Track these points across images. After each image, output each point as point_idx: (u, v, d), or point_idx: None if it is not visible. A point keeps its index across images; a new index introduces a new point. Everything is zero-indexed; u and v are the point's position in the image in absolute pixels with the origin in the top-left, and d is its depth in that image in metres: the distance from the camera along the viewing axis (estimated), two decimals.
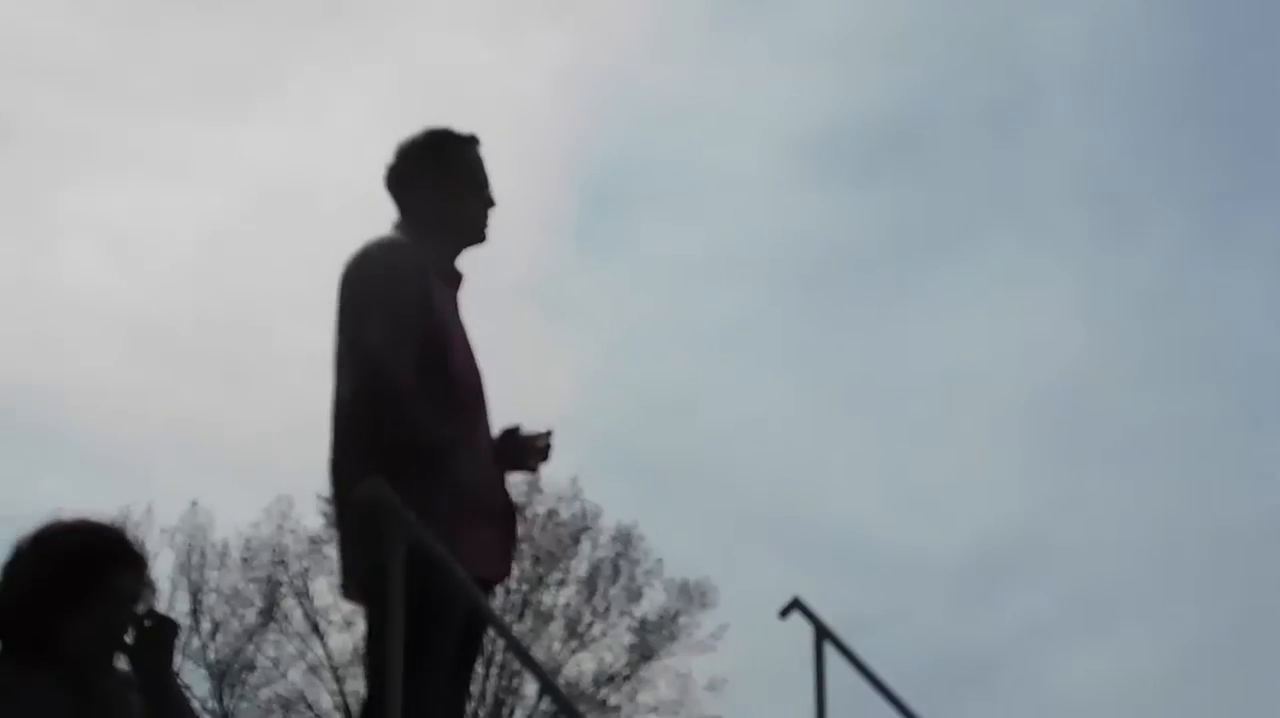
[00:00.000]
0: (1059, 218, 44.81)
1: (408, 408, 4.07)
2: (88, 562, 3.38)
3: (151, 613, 3.48)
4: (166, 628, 3.48)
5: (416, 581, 3.74)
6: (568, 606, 31.87)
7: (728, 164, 44.44)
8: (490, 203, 4.50)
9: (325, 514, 30.05)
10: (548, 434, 4.53)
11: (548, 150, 39.00)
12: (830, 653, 4.90)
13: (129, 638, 3.44)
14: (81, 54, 41.77)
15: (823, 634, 4.90)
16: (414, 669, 3.91)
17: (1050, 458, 42.90)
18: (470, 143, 4.52)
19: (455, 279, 4.48)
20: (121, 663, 3.48)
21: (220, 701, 30.59)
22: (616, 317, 43.69)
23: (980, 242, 44.95)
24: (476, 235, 4.50)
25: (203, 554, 31.92)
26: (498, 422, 4.49)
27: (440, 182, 4.43)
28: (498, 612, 4.02)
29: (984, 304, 43.57)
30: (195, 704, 3.58)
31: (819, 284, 45.00)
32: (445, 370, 4.24)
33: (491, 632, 4.39)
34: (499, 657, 28.46)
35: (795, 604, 4.93)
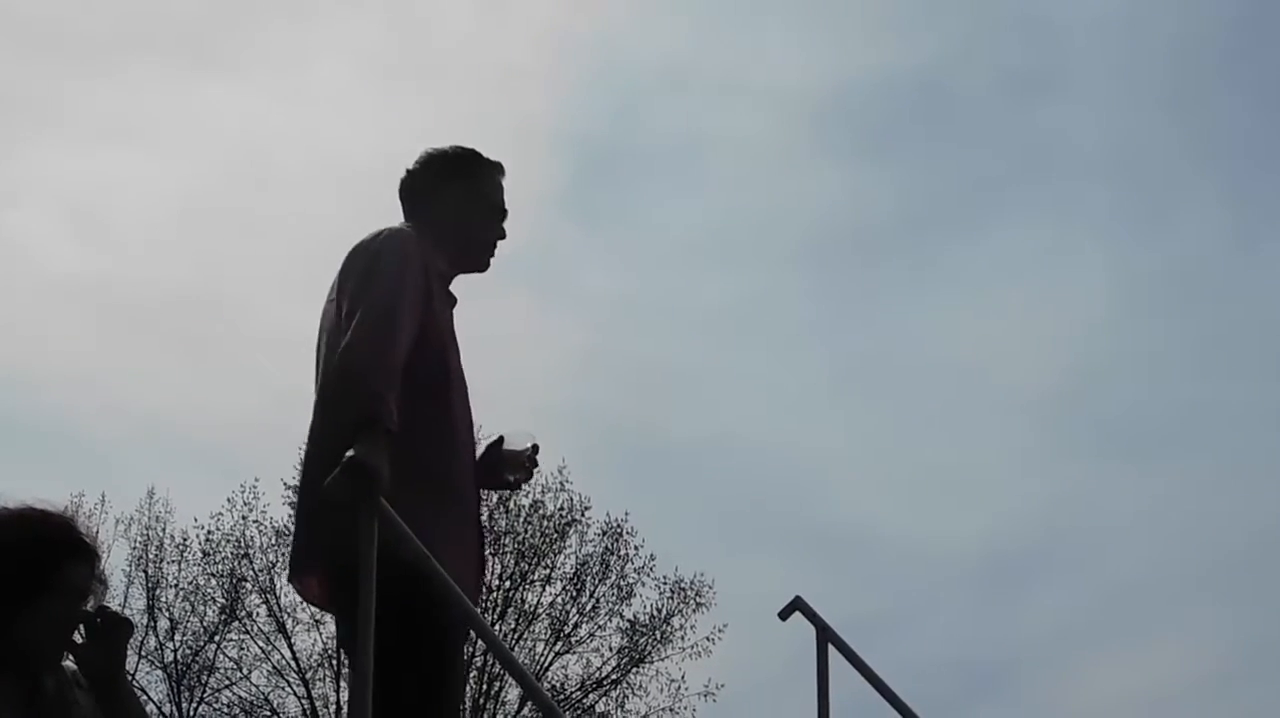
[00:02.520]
0: (1086, 195, 44.81)
1: (374, 382, 4.07)
2: (35, 554, 3.39)
3: (103, 611, 3.49)
4: (119, 628, 3.49)
5: (401, 581, 3.80)
6: (553, 604, 31.90)
7: (729, 131, 44.51)
8: (501, 234, 4.71)
9: (292, 505, 30.08)
10: (534, 448, 4.59)
11: (538, 117, 39.04)
12: (833, 657, 4.92)
13: (79, 637, 3.44)
14: (39, 6, 41.71)
15: (825, 636, 4.91)
16: (438, 675, 4.09)
17: (1072, 449, 43.02)
18: (495, 169, 4.75)
19: (451, 300, 4.62)
20: (70, 661, 3.49)
21: (178, 704, 30.61)
22: (610, 294, 43.73)
23: (1001, 218, 45.06)
24: (479, 264, 4.71)
25: (160, 547, 31.97)
26: (480, 419, 4.58)
27: (457, 201, 4.64)
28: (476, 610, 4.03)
29: (1004, 285, 43.64)
30: (150, 708, 3.58)
31: (827, 261, 45.12)
32: (433, 365, 4.34)
33: (472, 633, 4.42)
34: (479, 659, 28.49)
35: (796, 604, 4.95)
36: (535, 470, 4.71)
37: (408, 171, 4.71)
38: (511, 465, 4.65)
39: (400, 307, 4.23)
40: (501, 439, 4.63)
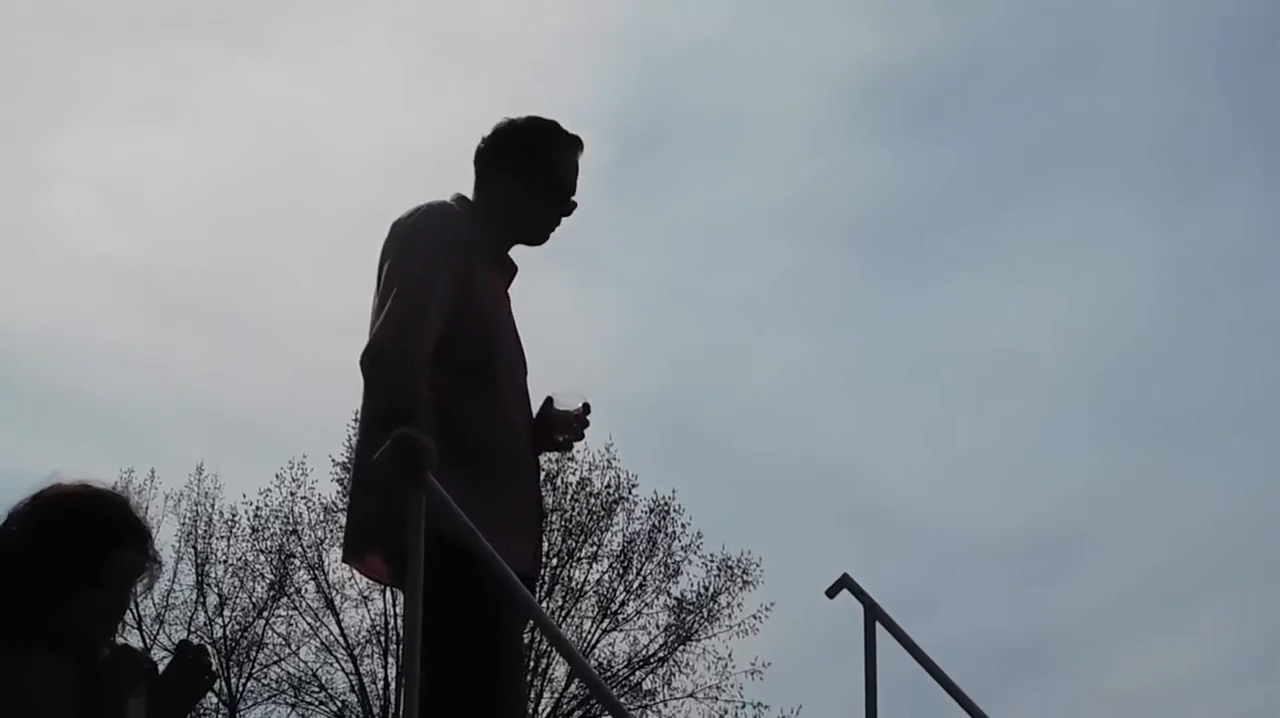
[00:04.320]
0: (1133, 173, 44.55)
1: (397, 375, 4.10)
2: (88, 534, 3.38)
3: (199, 650, 3.47)
4: (204, 673, 3.46)
5: (458, 542, 3.80)
6: (600, 582, 31.95)
7: (769, 111, 44.37)
8: (566, 211, 4.63)
9: (341, 481, 30.19)
10: (584, 408, 4.57)
11: (576, 95, 38.90)
12: (881, 635, 4.92)
13: (165, 673, 3.42)
14: None
15: (873, 614, 4.91)
16: (491, 646, 4.08)
17: (1119, 431, 42.81)
18: (571, 145, 4.65)
19: (508, 268, 4.61)
20: (125, 638, 3.51)
21: (226, 679, 30.77)
22: (653, 274, 43.73)
23: (1046, 197, 44.75)
24: (537, 238, 4.64)
25: (209, 523, 32.16)
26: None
27: (525, 175, 4.56)
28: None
29: (1049, 264, 43.43)
30: None
31: (870, 240, 44.97)
32: (475, 342, 4.32)
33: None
34: (526, 636, 28.51)
35: (844, 582, 4.94)
36: (586, 430, 4.61)
37: (484, 138, 4.64)
38: (561, 426, 4.57)
39: (429, 289, 4.22)
40: (550, 400, 4.57)
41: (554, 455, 31.20)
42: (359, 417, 4.37)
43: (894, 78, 45.12)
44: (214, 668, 3.52)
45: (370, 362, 4.16)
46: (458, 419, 4.13)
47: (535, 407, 4.56)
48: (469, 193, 4.61)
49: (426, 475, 3.78)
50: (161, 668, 3.44)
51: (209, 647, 3.66)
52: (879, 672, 4.94)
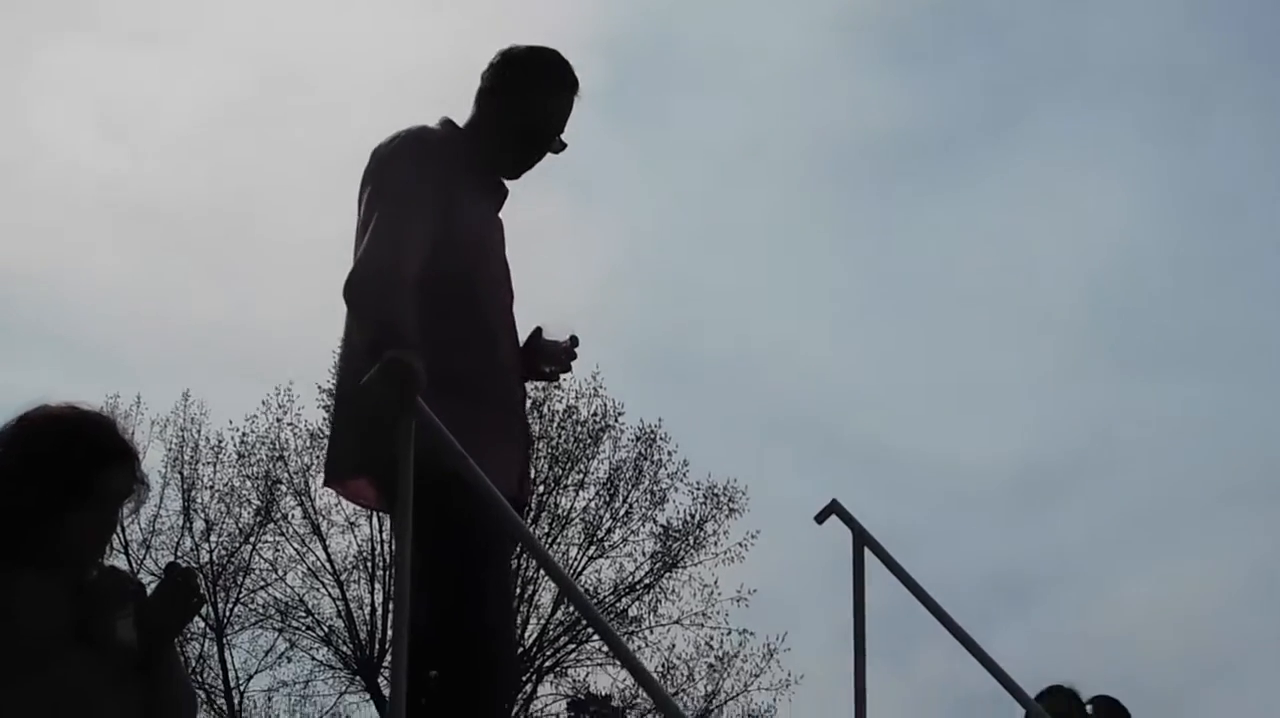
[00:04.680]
0: (1119, 105, 44.37)
1: (383, 299, 4.08)
2: (75, 454, 3.37)
3: (187, 573, 3.46)
4: (192, 597, 3.44)
5: (444, 467, 3.79)
6: (586, 509, 32.02)
7: (761, 39, 44.16)
8: (545, 151, 4.57)
9: (327, 407, 30.17)
10: (572, 340, 4.55)
11: (571, 18, 38.66)
12: (870, 561, 4.91)
13: (153, 595, 3.41)
14: None
15: (862, 540, 4.90)
16: (480, 565, 4.08)
17: (1106, 364, 42.87)
18: (563, 87, 4.57)
19: (496, 191, 4.57)
20: (112, 559, 3.50)
21: (214, 604, 30.84)
22: (645, 201, 43.61)
23: (1035, 128, 44.70)
24: (513, 172, 4.58)
25: (196, 449, 32.16)
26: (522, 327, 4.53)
27: (511, 111, 4.51)
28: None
29: (1037, 197, 43.41)
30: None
31: (858, 174, 44.97)
32: (458, 267, 4.29)
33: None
34: (512, 562, 28.60)
35: (833, 508, 4.93)
36: (573, 363, 4.62)
37: (489, 63, 4.59)
38: (548, 357, 4.58)
39: (410, 213, 4.21)
40: (539, 330, 4.56)
41: (540, 383, 31.21)
42: (342, 340, 4.34)
43: (884, 10, 44.93)
44: (201, 591, 3.50)
45: (355, 287, 4.14)
46: (441, 343, 4.10)
47: (522, 333, 4.53)
48: (464, 116, 4.56)
49: (416, 399, 3.77)
50: (150, 591, 3.43)
51: (196, 569, 3.68)
52: (867, 599, 4.94)
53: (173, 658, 3.47)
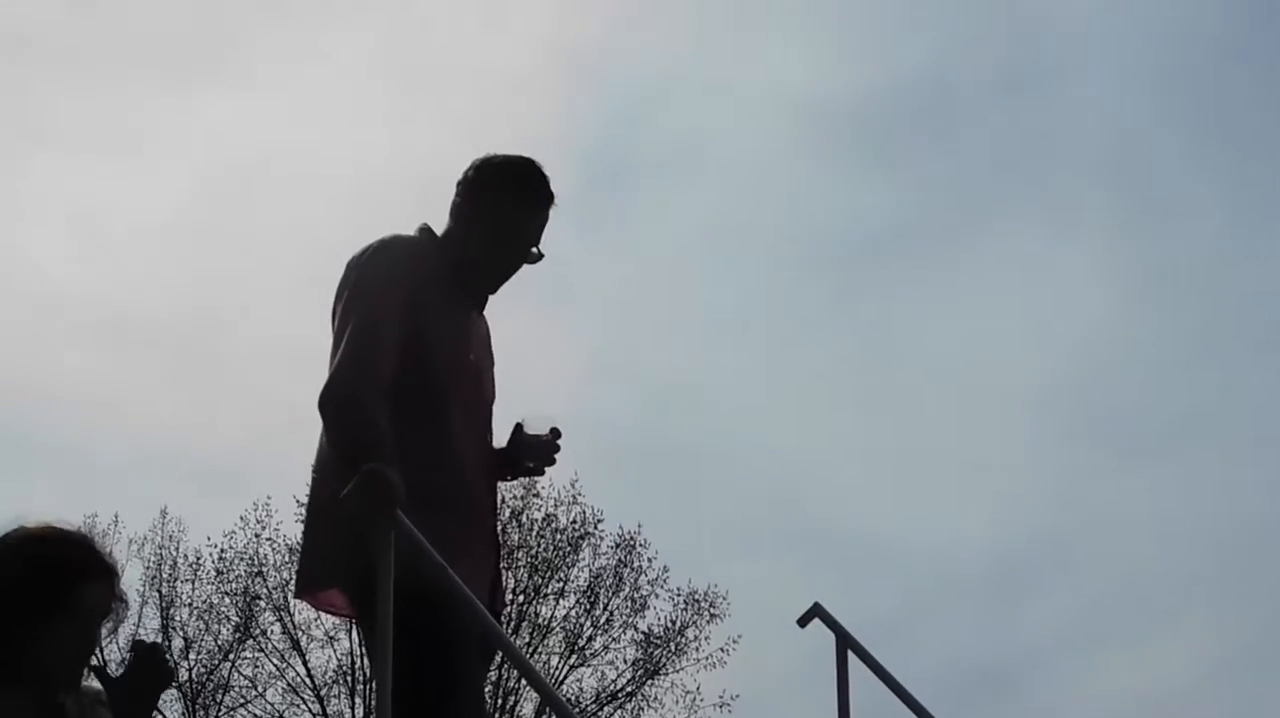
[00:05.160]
0: (1085, 194, 44.86)
1: (357, 414, 4.09)
2: (56, 573, 3.37)
3: (154, 649, 3.46)
4: (161, 671, 3.46)
5: (414, 586, 3.78)
6: (567, 618, 31.88)
7: (730, 137, 44.61)
8: (521, 262, 4.53)
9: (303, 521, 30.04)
10: (554, 432, 4.54)
11: (538, 122, 38.93)
12: (853, 663, 4.89)
13: (121, 670, 3.42)
14: (29, 21, 41.72)
15: (845, 643, 4.88)
16: (448, 693, 4.03)
17: (1079, 451, 43.05)
18: (540, 200, 4.54)
19: (474, 298, 4.55)
20: (95, 682, 3.48)
21: None
22: (614, 302, 43.75)
23: (1000, 220, 45.04)
24: (489, 284, 4.55)
25: (174, 566, 31.99)
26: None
27: (486, 223, 4.48)
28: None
29: (1005, 287, 43.68)
30: None
31: (829, 264, 45.16)
32: (427, 378, 4.29)
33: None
34: (493, 673, 28.45)
35: (815, 612, 4.92)
36: (556, 456, 4.56)
37: (465, 172, 4.55)
38: (531, 452, 4.54)
39: (381, 325, 4.20)
40: (520, 426, 4.54)
41: (519, 491, 31.14)
42: (316, 455, 4.34)
43: (851, 104, 45.41)
44: (170, 663, 3.52)
45: (329, 402, 4.15)
46: (407, 460, 4.08)
47: (505, 435, 4.54)
48: (441, 223, 4.57)
49: (395, 510, 3.77)
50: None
51: (161, 643, 3.69)
52: (851, 702, 4.92)
53: None
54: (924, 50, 45.80)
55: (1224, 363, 43.46)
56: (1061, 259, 44.04)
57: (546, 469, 4.61)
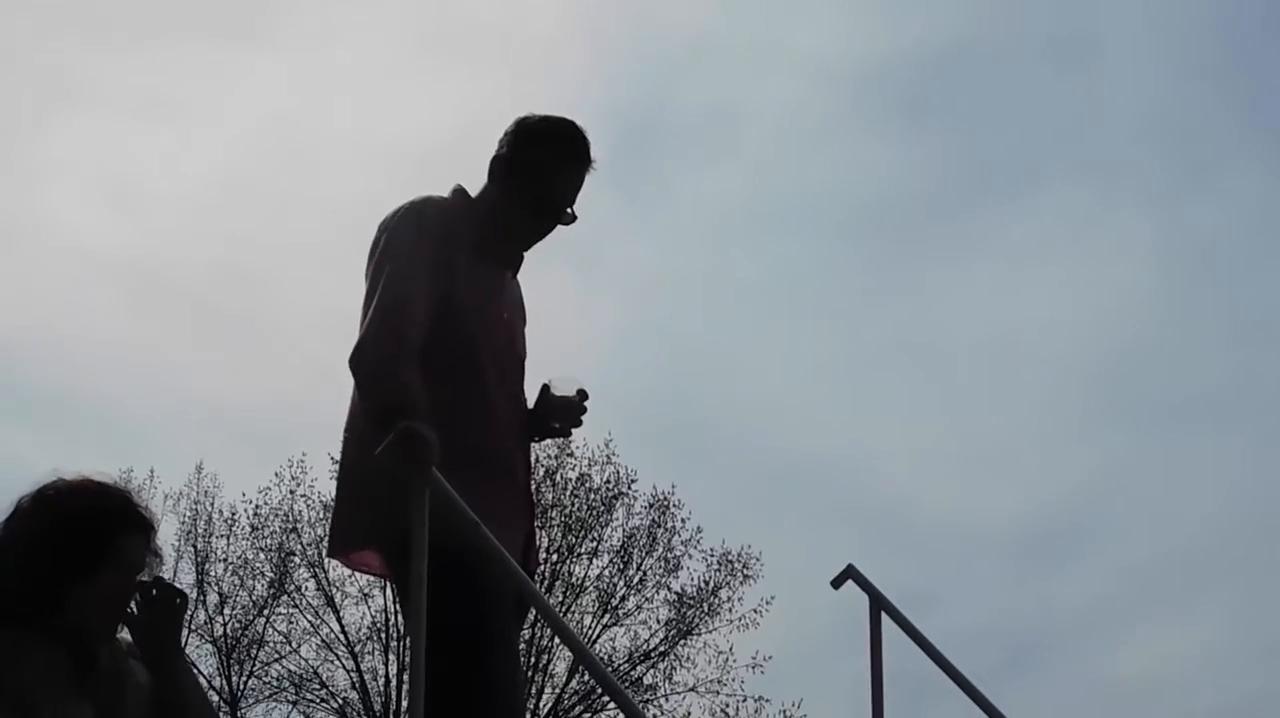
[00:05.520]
0: (1130, 161, 44.64)
1: (389, 372, 4.09)
2: (93, 525, 3.40)
3: (158, 582, 3.49)
4: (174, 600, 3.50)
5: (449, 544, 3.78)
6: (600, 577, 31.94)
7: (766, 103, 44.38)
8: (556, 223, 4.53)
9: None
10: (581, 394, 4.54)
11: (574, 90, 38.86)
12: (886, 626, 4.88)
13: (134, 608, 3.45)
14: None
15: (879, 605, 4.87)
16: (483, 650, 4.03)
17: (1116, 421, 42.82)
18: (576, 162, 4.52)
19: (506, 258, 4.55)
20: (125, 633, 3.50)
21: (227, 678, 30.79)
22: (650, 267, 43.69)
23: (1043, 187, 44.81)
24: (520, 244, 4.55)
25: (209, 522, 32.15)
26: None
27: (523, 182, 4.47)
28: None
29: (1046, 255, 43.46)
30: (201, 681, 3.64)
31: (866, 233, 45.00)
32: (458, 337, 4.30)
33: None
34: (526, 631, 28.53)
35: (849, 573, 4.91)
36: (584, 417, 4.56)
37: (505, 132, 4.55)
38: (558, 413, 4.54)
39: (412, 286, 4.21)
40: (547, 387, 4.54)
41: (553, 450, 31.19)
42: (347, 413, 4.35)
43: (892, 69, 45.17)
44: (182, 591, 3.54)
45: (361, 361, 4.16)
46: (439, 417, 4.07)
47: (532, 397, 4.53)
48: (477, 184, 4.56)
49: (430, 468, 3.77)
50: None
51: (163, 577, 3.75)
52: (884, 664, 4.91)
53: (182, 666, 3.51)
54: (961, 15, 45.53)
55: (1266, 336, 43.18)
56: (1100, 231, 43.88)
57: (573, 431, 4.61)
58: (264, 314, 43.15)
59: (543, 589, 30.10)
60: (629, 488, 32.49)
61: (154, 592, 3.48)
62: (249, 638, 31.36)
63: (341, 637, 31.24)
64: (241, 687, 30.98)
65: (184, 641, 3.62)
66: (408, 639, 3.89)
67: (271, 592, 31.58)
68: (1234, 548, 41.44)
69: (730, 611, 31.88)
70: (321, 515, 31.23)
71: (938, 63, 45.60)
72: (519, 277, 4.62)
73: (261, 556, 31.90)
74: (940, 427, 43.13)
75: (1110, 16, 44.39)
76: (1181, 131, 44.23)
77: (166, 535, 29.72)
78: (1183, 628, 39.36)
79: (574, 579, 31.66)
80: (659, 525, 32.37)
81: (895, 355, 43.82)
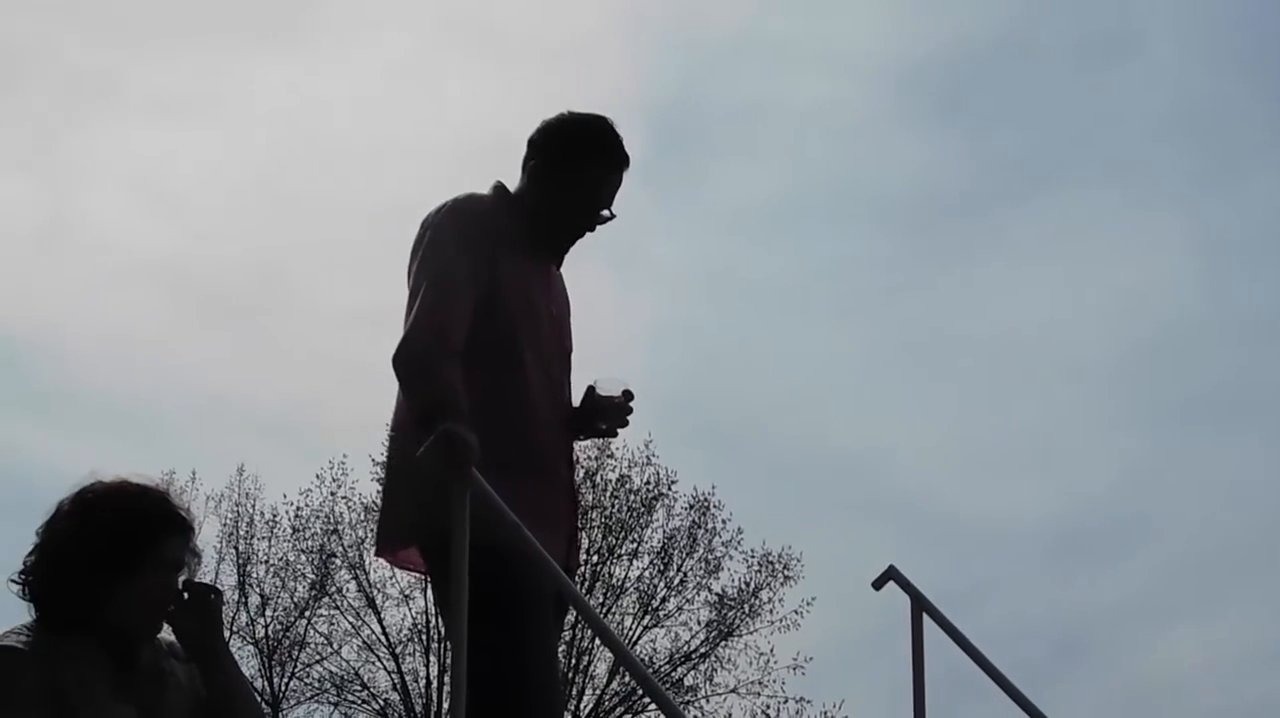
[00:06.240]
0: (1160, 158, 44.39)
1: (432, 372, 4.10)
2: (132, 527, 3.41)
3: (189, 584, 3.50)
4: (207, 596, 3.51)
5: (489, 544, 3.79)
6: (641, 579, 31.93)
7: (802, 101, 44.35)
8: (590, 226, 4.52)
9: (380, 480, 30.20)
10: (626, 394, 4.53)
11: (609, 86, 38.86)
12: (928, 627, 4.87)
13: (174, 608, 3.47)
14: None
15: (920, 606, 4.86)
16: (523, 651, 4.03)
17: (1149, 419, 42.61)
18: (612, 161, 4.51)
19: (548, 255, 4.54)
20: (167, 633, 3.52)
21: (269, 679, 30.88)
22: (684, 264, 43.69)
23: (1074, 183, 44.57)
24: (562, 243, 4.54)
25: (251, 523, 32.25)
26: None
27: (555, 182, 4.47)
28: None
29: (1079, 250, 43.28)
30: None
31: (899, 230, 44.92)
32: (502, 335, 4.30)
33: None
34: (567, 633, 28.55)
35: (890, 574, 4.89)
36: (629, 418, 4.55)
37: (536, 130, 4.54)
38: (604, 413, 4.53)
39: (455, 284, 4.21)
40: (592, 388, 4.52)
41: (593, 452, 31.21)
42: (393, 413, 4.35)
43: (923, 67, 45.06)
44: (216, 587, 3.57)
45: (404, 361, 4.16)
46: (482, 416, 4.09)
47: (578, 396, 4.53)
48: (514, 179, 4.56)
49: (470, 469, 3.77)
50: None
51: (193, 579, 3.78)
52: (926, 664, 4.90)
53: (226, 663, 3.52)
54: (998, 13, 45.40)
55: None
56: (1137, 225, 43.65)
57: (619, 431, 4.60)
58: (304, 315, 43.27)
59: (583, 591, 30.10)
60: (669, 489, 32.52)
61: (185, 594, 3.49)
62: (290, 640, 31.46)
63: (383, 638, 31.33)
64: (283, 688, 31.10)
65: (227, 641, 3.61)
66: (448, 641, 3.89)
67: (313, 593, 31.68)
68: (1271, 544, 41.23)
69: (771, 612, 31.89)
70: (362, 517, 31.36)
71: (975, 60, 45.53)
72: (562, 273, 4.62)
73: (303, 557, 32.03)
74: (974, 423, 43.03)
75: (1145, 14, 44.24)
76: (1211, 128, 44.04)
77: (208, 537, 29.98)
78: (1223, 625, 39.18)
79: (614, 581, 31.67)
80: (699, 527, 32.38)
81: (932, 351, 43.73)
